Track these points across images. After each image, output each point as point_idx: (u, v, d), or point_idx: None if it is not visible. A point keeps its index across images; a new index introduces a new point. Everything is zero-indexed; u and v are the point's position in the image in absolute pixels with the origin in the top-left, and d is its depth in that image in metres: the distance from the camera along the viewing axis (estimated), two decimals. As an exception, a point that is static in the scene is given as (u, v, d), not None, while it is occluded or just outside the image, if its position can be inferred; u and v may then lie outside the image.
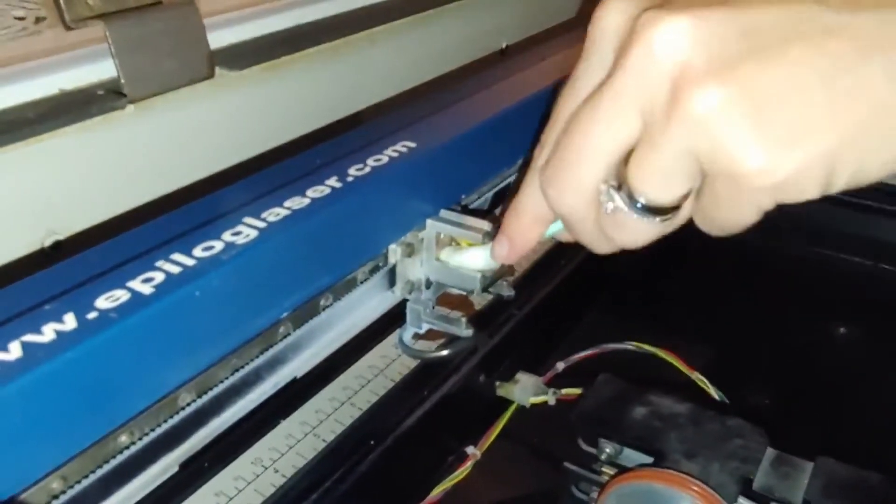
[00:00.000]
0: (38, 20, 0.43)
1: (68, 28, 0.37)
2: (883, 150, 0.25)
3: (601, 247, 0.31)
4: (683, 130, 0.24)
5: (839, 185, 0.25)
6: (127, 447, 0.31)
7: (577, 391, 0.52)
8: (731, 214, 0.27)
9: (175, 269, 0.31)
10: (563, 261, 0.58)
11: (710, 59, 0.24)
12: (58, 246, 0.37)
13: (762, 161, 0.24)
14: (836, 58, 0.24)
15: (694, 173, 0.26)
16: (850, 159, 0.25)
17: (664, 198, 0.27)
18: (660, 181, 0.26)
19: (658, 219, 0.27)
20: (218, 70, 0.41)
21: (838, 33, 0.24)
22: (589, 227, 0.30)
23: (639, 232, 0.28)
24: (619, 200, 0.27)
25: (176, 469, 0.35)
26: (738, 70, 0.24)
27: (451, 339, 0.47)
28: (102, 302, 0.29)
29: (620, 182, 0.27)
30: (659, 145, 0.25)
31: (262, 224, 0.34)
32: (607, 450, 0.47)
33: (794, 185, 0.25)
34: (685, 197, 0.27)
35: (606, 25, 0.27)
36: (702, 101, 0.24)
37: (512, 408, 0.52)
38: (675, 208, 0.27)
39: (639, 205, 0.27)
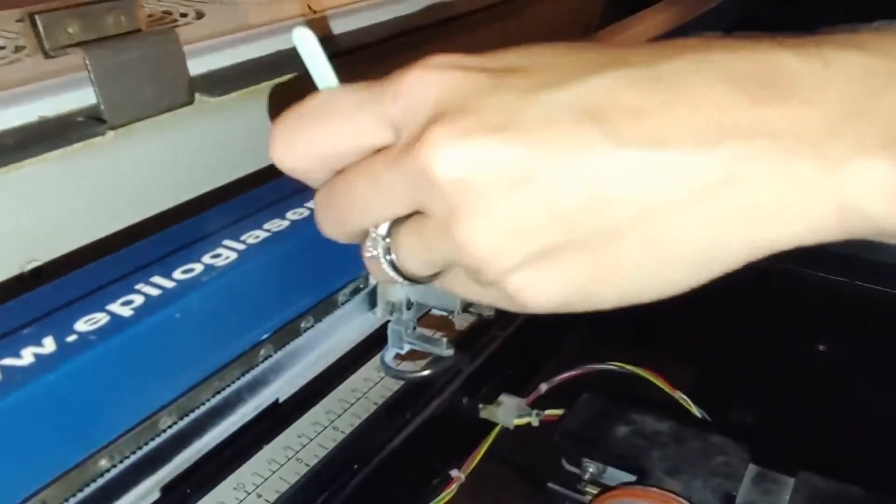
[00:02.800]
0: (17, 49, 0.43)
1: (48, 56, 0.37)
2: (653, 292, 0.26)
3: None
4: (453, 252, 0.25)
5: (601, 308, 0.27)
6: (107, 471, 0.31)
7: (560, 412, 0.52)
8: (475, 298, 0.29)
9: (155, 292, 0.31)
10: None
11: (491, 192, 0.24)
12: (38, 272, 0.37)
13: (521, 296, 0.26)
14: (609, 206, 0.24)
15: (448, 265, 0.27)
16: (612, 297, 0.26)
17: (418, 273, 0.28)
18: (419, 265, 0.28)
19: (405, 281, 0.29)
20: (198, 96, 0.42)
21: (617, 177, 0.23)
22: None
23: (387, 278, 0.29)
24: (380, 253, 0.28)
25: (157, 494, 0.35)
26: (515, 209, 0.24)
27: (433, 360, 0.47)
28: (82, 325, 0.29)
29: (388, 234, 0.28)
30: (429, 246, 0.26)
31: (241, 246, 0.34)
32: (591, 469, 0.47)
33: (549, 311, 0.27)
34: (434, 276, 0.29)
35: (412, 100, 0.26)
36: (474, 239, 0.24)
37: (496, 430, 0.52)
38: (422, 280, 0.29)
39: (394, 265, 0.28)
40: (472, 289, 0.28)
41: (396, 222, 0.28)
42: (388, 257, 0.28)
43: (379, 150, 0.27)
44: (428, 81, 0.25)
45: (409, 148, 0.25)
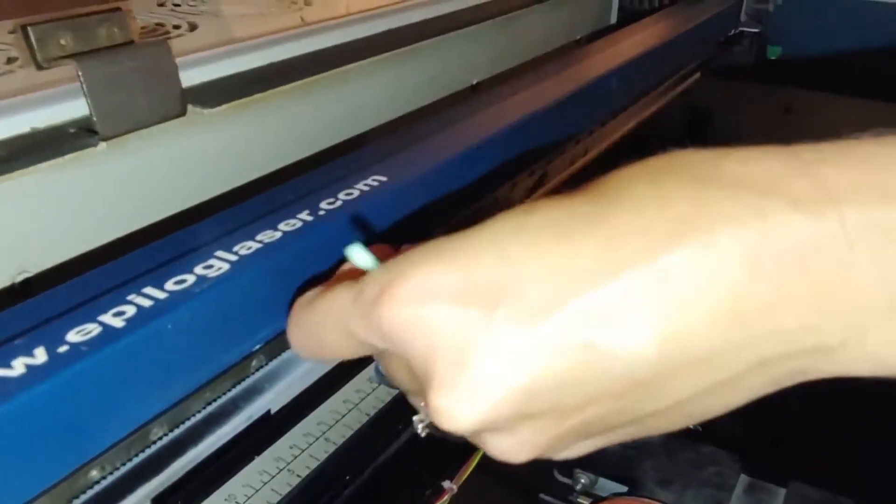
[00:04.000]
0: (9, 60, 0.44)
1: (40, 68, 0.37)
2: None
3: None
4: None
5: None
6: (98, 482, 0.31)
7: (552, 423, 0.53)
8: None
9: (147, 303, 0.31)
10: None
11: (506, 424, 0.24)
12: (28, 283, 0.37)
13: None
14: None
15: None
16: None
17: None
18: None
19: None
20: (190, 108, 0.42)
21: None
22: None
23: None
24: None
25: (148, 505, 0.35)
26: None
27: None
28: (73, 336, 0.29)
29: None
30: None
31: (234, 257, 0.34)
32: (582, 480, 0.47)
33: None
34: None
35: (405, 348, 0.25)
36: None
37: (488, 441, 0.53)
38: None
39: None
40: None
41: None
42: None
43: None
44: (407, 322, 0.24)
45: (427, 396, 0.25)
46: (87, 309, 0.31)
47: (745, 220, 0.21)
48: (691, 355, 0.22)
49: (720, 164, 0.23)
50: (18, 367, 0.27)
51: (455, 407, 0.23)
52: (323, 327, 0.28)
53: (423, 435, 0.31)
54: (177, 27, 0.50)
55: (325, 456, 0.44)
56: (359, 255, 0.28)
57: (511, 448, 0.25)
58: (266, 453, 0.44)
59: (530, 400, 0.23)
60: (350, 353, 0.29)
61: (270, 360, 0.37)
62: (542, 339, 0.22)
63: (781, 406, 0.57)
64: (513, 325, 0.22)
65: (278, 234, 0.36)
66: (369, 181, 0.40)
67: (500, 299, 0.23)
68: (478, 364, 0.23)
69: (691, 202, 0.22)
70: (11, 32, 0.46)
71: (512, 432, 0.24)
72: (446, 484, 0.49)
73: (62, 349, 0.28)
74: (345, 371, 0.48)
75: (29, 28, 0.36)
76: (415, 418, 0.31)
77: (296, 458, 0.44)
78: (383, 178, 0.41)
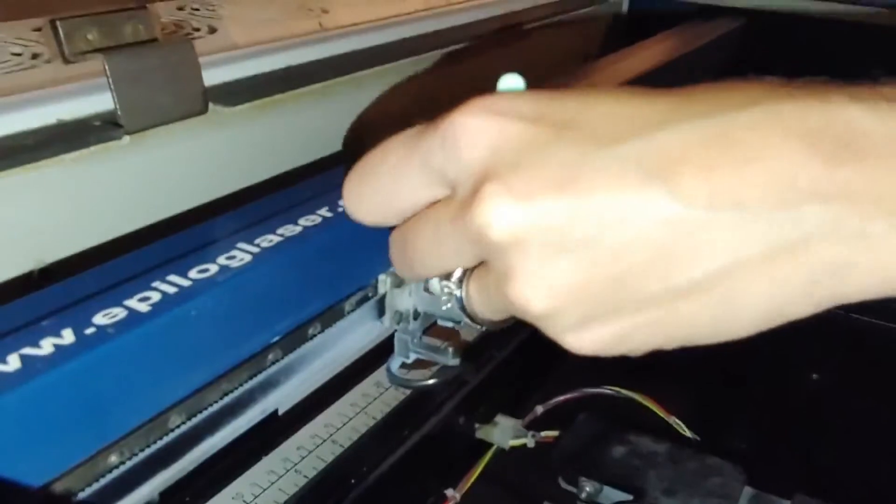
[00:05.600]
0: (34, 56, 0.44)
1: (67, 62, 0.38)
2: (713, 339, 0.25)
3: None
4: (514, 307, 0.25)
5: (640, 351, 0.26)
6: (116, 466, 0.31)
7: (555, 434, 0.53)
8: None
9: (171, 290, 0.31)
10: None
11: (552, 252, 0.23)
12: (47, 271, 0.37)
13: (581, 349, 0.26)
14: (675, 267, 0.23)
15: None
16: (671, 345, 0.26)
17: (485, 319, 0.29)
18: (485, 312, 0.29)
19: (476, 325, 0.30)
20: (212, 106, 0.43)
21: (685, 240, 0.23)
22: None
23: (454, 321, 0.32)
24: (453, 299, 0.29)
25: (157, 499, 0.35)
26: (576, 271, 0.24)
27: (439, 369, 0.48)
28: (100, 318, 0.29)
29: (459, 283, 0.29)
30: (492, 299, 0.27)
31: (255, 249, 0.34)
32: (587, 488, 0.47)
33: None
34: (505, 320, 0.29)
35: (458, 151, 0.25)
36: (533, 301, 0.24)
37: (491, 450, 0.53)
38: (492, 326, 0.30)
39: (465, 310, 0.29)
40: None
41: (468, 270, 0.28)
42: (459, 302, 0.29)
43: (440, 200, 0.27)
44: (477, 131, 0.24)
45: (466, 206, 0.24)
46: (113, 294, 0.31)
47: (809, 104, 0.22)
48: (739, 213, 0.22)
49: (787, 81, 0.24)
50: (47, 346, 0.28)
51: (502, 199, 0.23)
52: (384, 163, 0.28)
53: (445, 306, 0.30)
54: (197, 29, 0.51)
55: (332, 458, 0.44)
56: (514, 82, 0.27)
57: (535, 280, 0.24)
58: (274, 453, 0.44)
59: (574, 221, 0.23)
60: (405, 189, 0.27)
61: (286, 354, 0.37)
62: (603, 163, 0.23)
63: (786, 418, 0.58)
64: (578, 146, 0.23)
65: (299, 229, 0.36)
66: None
67: (571, 126, 0.24)
68: (536, 170, 0.23)
69: (762, 90, 0.23)
70: (35, 30, 0.47)
71: (543, 258, 0.23)
72: (449, 492, 0.49)
73: (89, 331, 0.29)
74: (353, 375, 0.48)
75: (58, 22, 0.37)
76: (441, 283, 0.29)
77: (303, 459, 0.44)
78: (401, 180, 0.42)
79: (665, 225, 0.22)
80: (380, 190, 0.28)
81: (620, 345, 0.25)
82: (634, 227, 0.23)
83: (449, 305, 0.29)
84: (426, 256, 0.28)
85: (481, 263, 0.27)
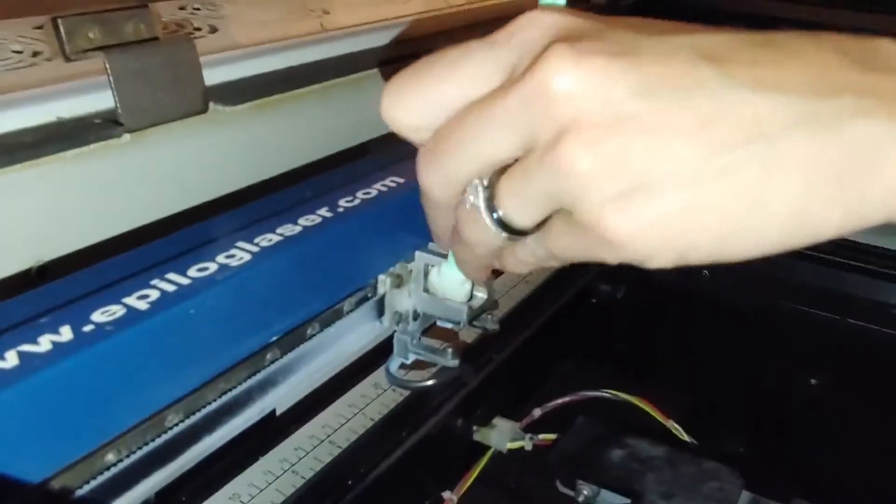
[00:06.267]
0: (35, 54, 0.44)
1: (68, 59, 0.37)
2: (747, 244, 0.25)
3: (443, 237, 0.32)
4: (554, 177, 0.25)
5: (695, 261, 0.26)
6: (114, 464, 0.31)
7: (553, 437, 0.53)
8: (572, 254, 0.28)
9: (170, 288, 0.31)
10: (542, 308, 0.59)
11: (601, 115, 0.24)
12: (45, 269, 0.37)
13: (618, 233, 0.25)
14: (718, 142, 0.24)
15: (555, 208, 0.27)
16: (708, 244, 0.25)
17: (519, 221, 0.27)
18: (521, 206, 0.27)
19: (505, 235, 0.28)
20: (212, 105, 0.43)
21: (729, 114, 0.24)
22: (444, 213, 0.30)
23: (483, 236, 0.28)
24: (480, 201, 0.28)
25: (153, 498, 0.35)
26: (622, 136, 0.24)
27: (438, 370, 0.48)
28: (98, 316, 0.29)
29: (490, 185, 0.27)
30: (530, 178, 0.26)
31: (255, 248, 0.34)
32: (585, 491, 0.47)
33: (646, 258, 0.26)
34: (540, 225, 0.28)
35: (526, 35, 0.26)
36: (577, 159, 0.24)
37: (489, 453, 0.53)
38: (525, 232, 0.28)
39: (495, 215, 0.27)
40: (570, 243, 0.27)
41: (498, 171, 0.27)
42: (488, 206, 0.27)
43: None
44: (543, 20, 0.26)
45: (527, 70, 0.25)
46: (111, 291, 0.31)
47: (846, 37, 0.25)
48: (780, 95, 0.24)
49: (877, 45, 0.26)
50: (45, 343, 0.28)
51: (567, 54, 0.24)
52: (441, 61, 0.27)
53: (478, 204, 0.28)
54: (198, 29, 0.51)
55: (330, 459, 0.44)
56: None
57: (586, 136, 0.24)
58: (271, 454, 0.44)
59: (628, 85, 0.24)
60: (472, 77, 0.27)
61: (284, 353, 0.37)
62: (661, 45, 0.25)
63: (784, 423, 0.58)
64: (639, 34, 0.25)
65: (298, 228, 0.36)
66: (387, 182, 0.41)
67: (631, 26, 0.25)
68: (601, 38, 0.25)
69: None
70: (36, 28, 0.47)
71: (595, 117, 0.24)
72: (447, 494, 0.49)
73: (87, 328, 0.29)
74: (351, 375, 0.48)
75: (59, 20, 0.37)
76: (470, 186, 0.28)
77: (300, 459, 0.44)
78: (400, 180, 0.42)
79: (713, 98, 0.24)
80: (426, 89, 0.27)
81: (657, 231, 0.25)
82: (683, 98, 0.24)
83: (474, 202, 0.28)
84: (466, 147, 0.27)
85: (512, 165, 0.27)
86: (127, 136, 0.38)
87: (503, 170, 0.27)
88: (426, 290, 0.42)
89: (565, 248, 0.28)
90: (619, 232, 0.25)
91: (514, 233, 0.28)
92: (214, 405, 0.35)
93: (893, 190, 0.24)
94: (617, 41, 0.25)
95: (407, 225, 0.40)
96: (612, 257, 0.26)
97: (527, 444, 0.52)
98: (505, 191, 0.27)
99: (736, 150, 0.24)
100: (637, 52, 0.24)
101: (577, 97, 0.24)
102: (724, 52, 0.24)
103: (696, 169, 0.24)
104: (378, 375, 0.49)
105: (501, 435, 0.53)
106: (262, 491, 0.41)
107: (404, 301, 0.43)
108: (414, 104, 0.28)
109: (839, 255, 0.64)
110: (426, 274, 0.42)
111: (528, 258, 0.30)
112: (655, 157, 0.24)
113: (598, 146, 0.24)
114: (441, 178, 0.28)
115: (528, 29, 0.26)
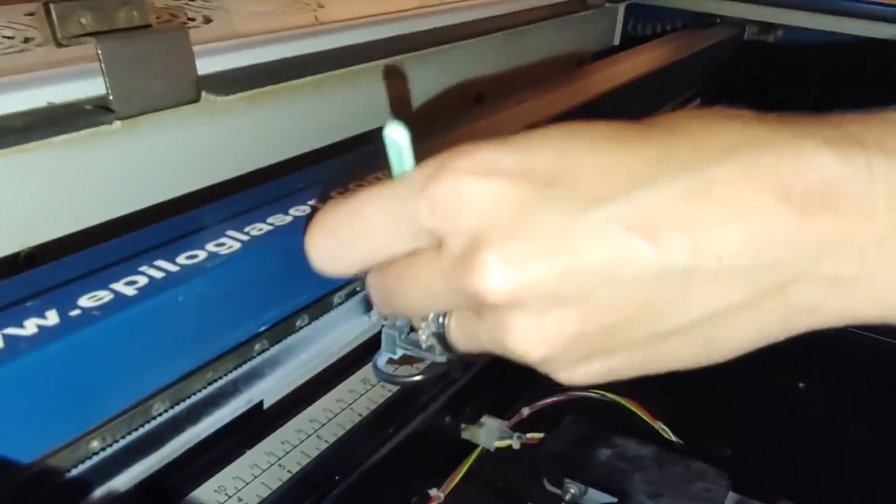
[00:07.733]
0: (26, 40, 0.44)
1: (60, 45, 0.37)
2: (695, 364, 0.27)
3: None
4: (506, 350, 0.26)
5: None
6: (97, 452, 0.31)
7: (540, 436, 0.53)
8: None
9: (159, 274, 0.31)
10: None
11: (538, 304, 0.25)
12: (33, 255, 0.37)
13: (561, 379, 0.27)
14: (662, 321, 0.25)
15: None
16: (631, 371, 0.27)
17: (467, 352, 0.29)
18: (469, 348, 0.29)
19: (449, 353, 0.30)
20: (204, 94, 0.42)
21: (669, 298, 0.24)
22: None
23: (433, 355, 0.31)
24: (433, 338, 0.30)
25: (136, 489, 0.35)
26: (570, 327, 0.25)
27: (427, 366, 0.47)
28: (85, 301, 0.29)
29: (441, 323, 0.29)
30: (479, 339, 0.28)
31: (245, 237, 0.34)
32: (572, 490, 0.47)
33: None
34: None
35: (451, 213, 0.25)
36: (530, 352, 0.25)
37: (476, 451, 0.52)
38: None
39: (445, 345, 0.30)
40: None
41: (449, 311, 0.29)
42: (439, 340, 0.29)
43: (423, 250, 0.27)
44: (466, 192, 0.25)
45: (460, 267, 0.25)
46: (99, 277, 0.31)
47: (782, 153, 0.24)
48: (719, 267, 0.24)
49: (761, 115, 0.26)
50: (30, 327, 0.27)
51: (498, 266, 0.24)
52: (361, 217, 0.27)
53: (426, 344, 0.30)
54: (192, 19, 0.51)
55: (316, 454, 0.44)
56: (398, 133, 0.27)
57: (531, 333, 0.25)
58: (258, 447, 0.43)
59: (567, 281, 0.24)
60: (386, 243, 0.27)
61: (273, 344, 0.37)
62: (590, 225, 0.24)
63: (771, 424, 0.58)
64: (565, 207, 0.24)
65: (289, 218, 0.36)
66: (378, 174, 0.41)
67: (557, 184, 0.24)
68: (528, 235, 0.24)
69: (737, 134, 0.25)
70: (27, 14, 0.46)
71: (538, 314, 0.25)
72: (433, 491, 0.49)
73: (74, 313, 0.28)
74: (340, 370, 0.48)
75: (51, 5, 0.37)
76: (422, 324, 0.30)
77: (287, 453, 0.43)
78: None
79: (651, 280, 0.24)
80: (352, 241, 0.28)
81: (609, 376, 0.27)
82: (623, 284, 0.24)
83: (426, 335, 0.30)
84: (415, 304, 0.29)
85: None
86: (118, 123, 0.38)
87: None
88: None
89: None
90: (574, 382, 0.27)
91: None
92: (202, 394, 0.35)
93: (838, 322, 0.25)
94: (549, 227, 0.24)
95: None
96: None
97: (515, 442, 0.52)
98: (455, 335, 0.29)
99: (680, 322, 0.25)
100: (570, 241, 0.24)
101: (520, 300, 0.25)
102: (659, 218, 0.24)
103: (643, 340, 0.26)
104: (367, 371, 0.49)
105: (489, 433, 0.52)
106: (247, 484, 0.41)
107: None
108: (340, 261, 0.29)
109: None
110: None
111: None
112: (603, 335, 0.25)
113: (548, 337, 0.25)
114: (391, 313, 0.32)
115: (453, 203, 0.25)
